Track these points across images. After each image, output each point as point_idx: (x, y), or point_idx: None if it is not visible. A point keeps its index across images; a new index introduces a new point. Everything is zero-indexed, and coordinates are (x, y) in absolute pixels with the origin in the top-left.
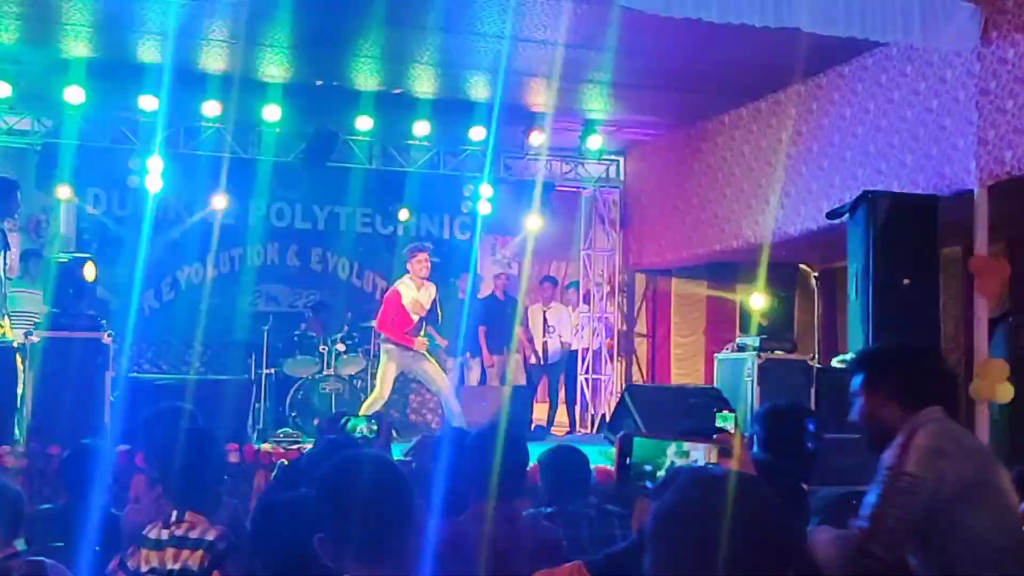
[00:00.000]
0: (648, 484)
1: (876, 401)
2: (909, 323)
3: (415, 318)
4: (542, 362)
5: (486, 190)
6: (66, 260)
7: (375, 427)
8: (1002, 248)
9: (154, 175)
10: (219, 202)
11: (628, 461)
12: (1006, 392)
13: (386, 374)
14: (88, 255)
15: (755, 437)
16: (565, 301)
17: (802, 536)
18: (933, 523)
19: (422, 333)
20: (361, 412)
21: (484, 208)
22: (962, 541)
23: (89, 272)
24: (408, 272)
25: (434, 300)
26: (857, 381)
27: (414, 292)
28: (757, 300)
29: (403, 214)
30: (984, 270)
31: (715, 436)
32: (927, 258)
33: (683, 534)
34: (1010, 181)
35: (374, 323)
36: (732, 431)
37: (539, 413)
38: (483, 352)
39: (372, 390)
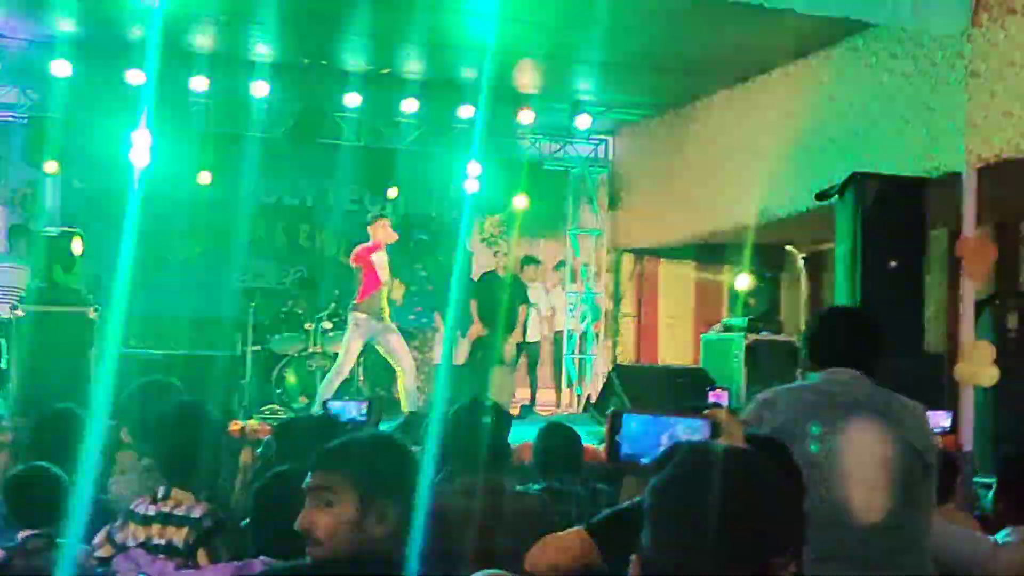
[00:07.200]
0: (643, 460)
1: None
2: (894, 305)
3: (383, 276)
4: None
5: (474, 168)
6: (54, 234)
7: (364, 408)
8: (989, 231)
9: (140, 149)
10: (206, 178)
11: (618, 438)
12: (992, 375)
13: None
14: (76, 229)
15: None
16: (552, 281)
17: (800, 514)
18: None
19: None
20: (323, 394)
21: (472, 186)
22: None
23: (77, 246)
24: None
25: None
26: None
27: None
28: (742, 280)
29: (392, 192)
30: (971, 253)
31: (705, 412)
32: (915, 240)
33: (681, 508)
34: (998, 164)
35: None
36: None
37: (522, 393)
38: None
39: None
